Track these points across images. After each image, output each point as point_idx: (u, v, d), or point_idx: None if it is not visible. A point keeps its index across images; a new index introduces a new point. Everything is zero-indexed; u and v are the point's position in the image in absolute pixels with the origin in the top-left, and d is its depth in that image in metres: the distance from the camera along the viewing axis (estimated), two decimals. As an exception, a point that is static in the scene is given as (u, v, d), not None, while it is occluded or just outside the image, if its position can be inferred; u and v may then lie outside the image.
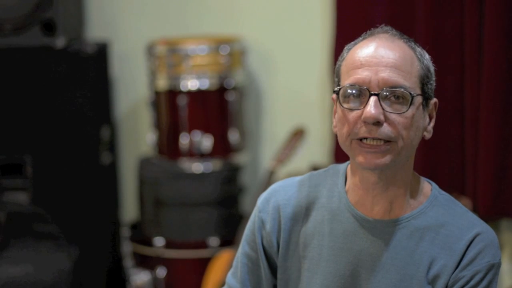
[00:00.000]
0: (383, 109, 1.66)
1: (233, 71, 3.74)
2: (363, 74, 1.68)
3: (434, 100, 1.75)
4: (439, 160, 3.45)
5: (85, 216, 3.76)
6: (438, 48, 3.34)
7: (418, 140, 1.73)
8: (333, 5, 3.70)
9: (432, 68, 1.75)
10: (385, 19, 3.31)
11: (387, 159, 1.68)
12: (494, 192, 3.34)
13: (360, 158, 1.69)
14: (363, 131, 1.67)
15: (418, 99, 1.69)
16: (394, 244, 1.74)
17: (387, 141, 1.67)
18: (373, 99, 1.66)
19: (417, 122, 1.70)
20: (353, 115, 1.68)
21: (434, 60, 1.77)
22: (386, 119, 1.67)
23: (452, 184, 3.40)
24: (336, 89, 1.73)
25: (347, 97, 1.69)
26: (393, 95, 1.67)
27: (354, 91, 1.68)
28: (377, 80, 1.67)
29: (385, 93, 1.67)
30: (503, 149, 3.33)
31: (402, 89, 1.67)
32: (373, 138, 1.67)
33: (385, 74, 1.67)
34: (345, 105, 1.70)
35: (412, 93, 1.67)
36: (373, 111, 1.65)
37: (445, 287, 1.71)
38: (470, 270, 1.70)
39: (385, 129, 1.66)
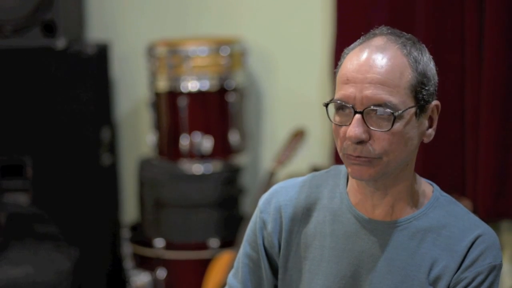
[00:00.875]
0: (368, 126, 1.65)
1: (233, 72, 3.74)
2: (348, 91, 1.67)
3: (435, 103, 1.72)
4: (440, 161, 3.45)
5: (85, 217, 3.76)
6: (438, 49, 3.33)
7: (411, 149, 1.71)
8: (333, 6, 3.70)
9: (431, 71, 1.71)
10: (385, 20, 3.30)
11: (373, 171, 1.67)
12: (495, 193, 3.35)
13: (349, 170, 1.70)
14: (348, 148, 1.67)
15: (408, 112, 1.66)
16: (396, 245, 1.74)
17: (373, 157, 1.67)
18: (356, 117, 1.65)
19: (407, 134, 1.68)
20: (342, 130, 1.68)
21: (434, 61, 1.74)
22: (371, 137, 1.66)
23: (452, 185, 3.40)
24: (323, 103, 1.73)
25: (336, 111, 1.70)
26: (376, 112, 1.65)
27: (341, 108, 1.68)
28: (361, 98, 1.65)
29: (368, 111, 1.65)
30: (503, 151, 3.33)
31: (385, 109, 1.64)
32: (357, 156, 1.67)
33: (369, 92, 1.65)
34: (335, 120, 1.70)
35: (394, 112, 1.64)
36: (356, 131, 1.65)
37: (446, 289, 1.71)
38: (471, 271, 1.70)
39: (369, 147, 1.66)
